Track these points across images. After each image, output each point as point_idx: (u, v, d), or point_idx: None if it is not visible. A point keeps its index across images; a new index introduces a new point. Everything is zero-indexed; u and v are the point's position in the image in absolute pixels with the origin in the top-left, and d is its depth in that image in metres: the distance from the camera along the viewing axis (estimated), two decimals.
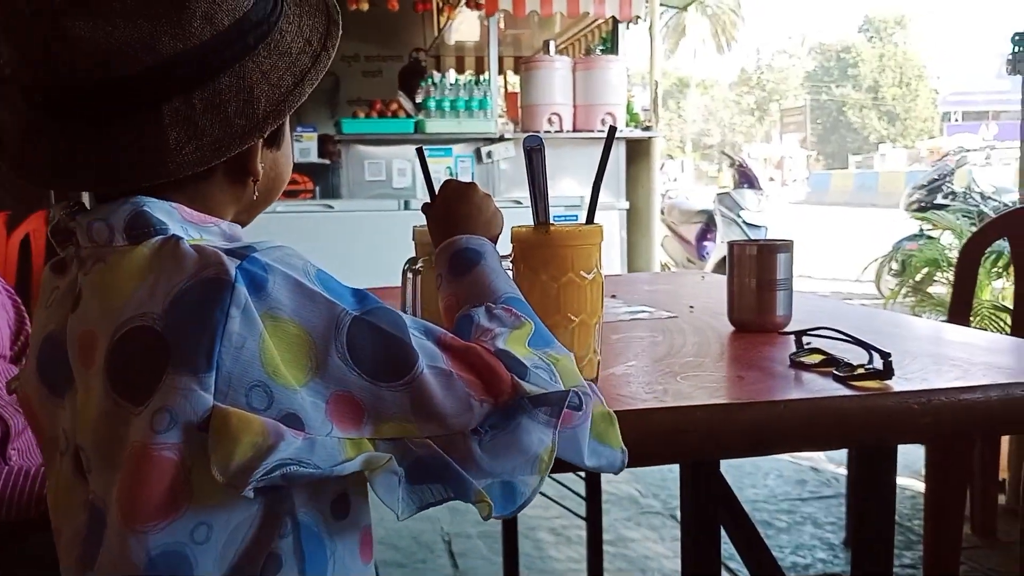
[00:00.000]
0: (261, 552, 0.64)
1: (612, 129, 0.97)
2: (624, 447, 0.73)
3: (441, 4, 6.14)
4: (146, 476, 0.61)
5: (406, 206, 4.21)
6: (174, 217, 0.69)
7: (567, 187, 4.37)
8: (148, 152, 0.67)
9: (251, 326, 0.61)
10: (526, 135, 0.93)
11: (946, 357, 1.03)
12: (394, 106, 4.66)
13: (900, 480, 2.85)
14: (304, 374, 0.63)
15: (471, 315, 0.75)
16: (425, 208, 0.93)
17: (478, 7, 4.85)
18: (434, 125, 4.38)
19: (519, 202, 4.38)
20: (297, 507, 0.65)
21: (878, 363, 0.90)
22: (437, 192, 0.92)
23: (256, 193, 0.77)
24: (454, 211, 0.89)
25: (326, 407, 0.63)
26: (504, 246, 0.91)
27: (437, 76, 4.62)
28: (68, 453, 0.70)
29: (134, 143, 0.67)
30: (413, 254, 1.07)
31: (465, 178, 4.56)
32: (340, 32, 0.77)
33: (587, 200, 0.91)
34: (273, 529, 0.65)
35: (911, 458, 2.82)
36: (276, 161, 0.80)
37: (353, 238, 4.12)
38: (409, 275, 1.04)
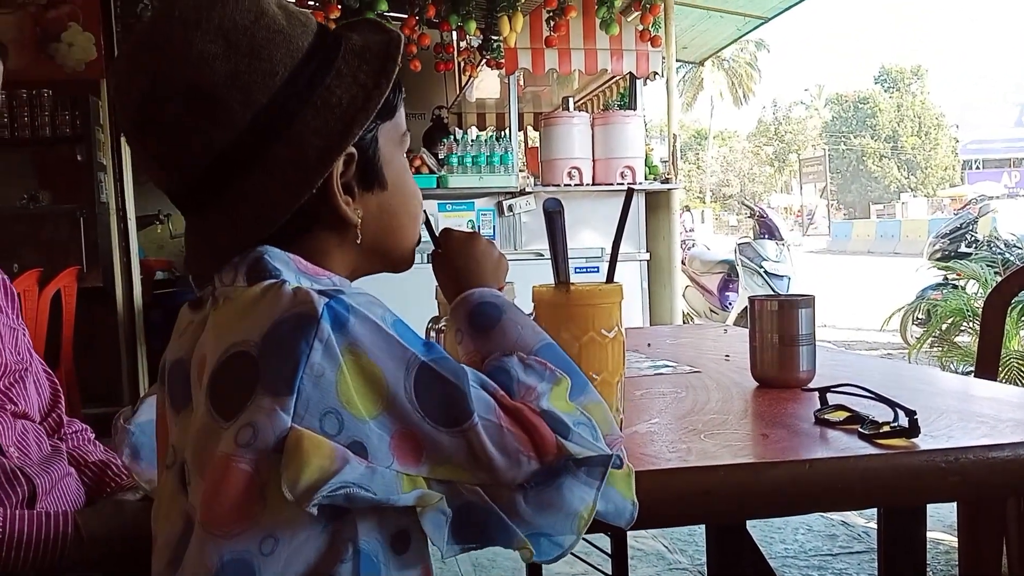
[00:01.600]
0: (322, 574, 0.68)
1: (630, 191, 0.99)
2: (636, 500, 0.74)
3: (462, 64, 6.27)
4: (225, 485, 0.66)
5: (427, 260, 4.25)
6: (289, 267, 0.76)
7: (587, 239, 4.40)
8: (233, 230, 0.76)
9: (331, 358, 0.66)
10: (546, 198, 0.95)
11: (973, 413, 1.02)
12: (417, 162, 4.73)
13: (933, 535, 2.78)
14: (374, 408, 0.67)
15: (506, 368, 0.76)
16: (433, 256, 0.94)
17: (498, 66, 4.95)
18: (456, 180, 4.44)
19: (540, 254, 4.41)
20: (360, 535, 0.69)
21: (904, 421, 0.90)
22: (439, 241, 0.93)
23: (360, 238, 0.81)
24: (462, 263, 0.91)
25: (390, 441, 0.68)
26: (525, 304, 0.92)
27: (459, 133, 4.70)
28: (174, 466, 0.76)
29: (220, 226, 0.77)
30: (436, 312, 1.08)
31: (487, 232, 4.62)
32: (397, 67, 0.79)
33: (607, 253, 0.93)
34: (335, 553, 0.69)
35: (943, 511, 2.76)
36: (384, 203, 0.84)
37: (376, 292, 4.14)
38: (433, 334, 1.05)
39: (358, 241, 0.82)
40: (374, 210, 0.83)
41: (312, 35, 0.78)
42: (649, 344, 1.61)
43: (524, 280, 1.08)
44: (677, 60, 5.33)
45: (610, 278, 0.94)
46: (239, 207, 0.76)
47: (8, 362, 1.23)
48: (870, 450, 0.87)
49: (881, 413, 0.94)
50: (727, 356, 1.35)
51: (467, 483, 0.69)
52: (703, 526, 2.82)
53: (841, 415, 0.98)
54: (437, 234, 0.93)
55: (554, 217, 0.91)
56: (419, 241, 0.90)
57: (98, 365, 4.32)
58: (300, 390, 0.66)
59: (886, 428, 0.90)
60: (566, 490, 0.70)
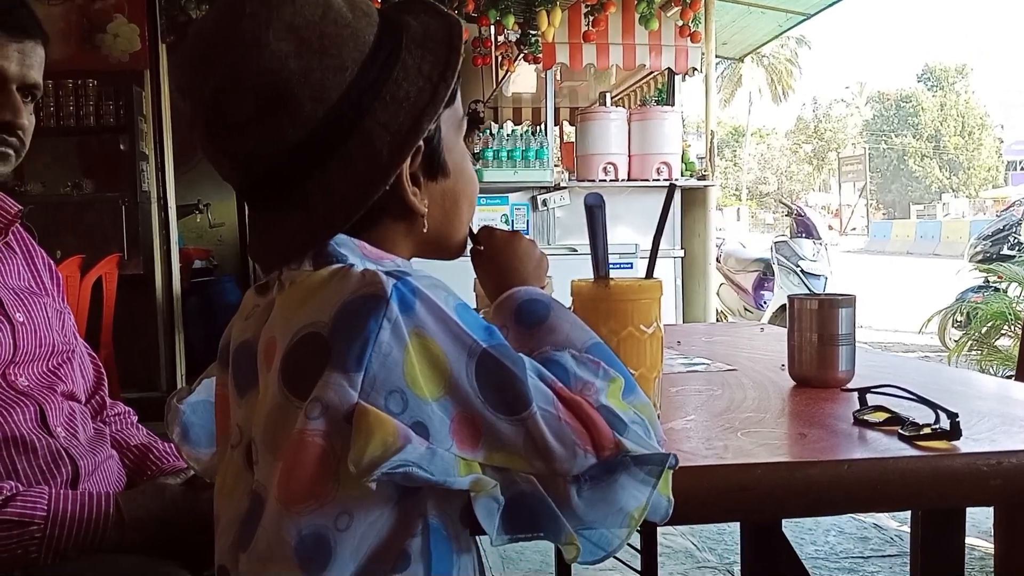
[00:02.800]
0: (394, 548, 0.70)
1: (672, 187, 0.98)
2: (672, 497, 0.75)
3: (500, 58, 6.27)
4: (301, 460, 0.68)
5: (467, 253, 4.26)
6: (355, 252, 0.77)
7: (622, 235, 4.38)
8: (309, 225, 0.77)
9: (399, 338, 0.68)
10: (588, 193, 0.94)
11: (1016, 417, 1.01)
12: None
13: (967, 540, 2.74)
14: (437, 390, 0.69)
15: (561, 362, 0.76)
16: (473, 253, 0.95)
17: (536, 61, 4.95)
18: (491, 174, 4.45)
19: (574, 249, 4.40)
20: (429, 510, 0.71)
21: (945, 423, 0.89)
22: (479, 240, 0.94)
23: (426, 226, 0.83)
24: (504, 261, 0.91)
25: (450, 424, 0.69)
26: (562, 299, 0.93)
27: (495, 127, 4.71)
28: (240, 446, 0.79)
29: (295, 221, 0.78)
30: (473, 303, 1.09)
31: (520, 226, 4.62)
32: (460, 58, 0.80)
33: (642, 248, 0.93)
34: (407, 528, 0.71)
35: (979, 517, 2.71)
36: (447, 190, 0.85)
37: None
38: None
39: (424, 230, 0.83)
40: (438, 198, 0.84)
41: (375, 26, 0.79)
42: (679, 342, 1.60)
43: (557, 275, 1.09)
44: (716, 56, 5.29)
45: (650, 274, 0.94)
46: (312, 204, 0.77)
47: (56, 342, 1.26)
48: (910, 452, 0.86)
49: (921, 415, 0.93)
50: (783, 366, 1.32)
51: (522, 471, 0.70)
52: (733, 525, 2.81)
53: (881, 416, 0.97)
54: (476, 231, 0.93)
55: (595, 211, 0.91)
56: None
57: (137, 351, 4.39)
58: (368, 367, 0.67)
59: (927, 430, 0.89)
60: (620, 487, 0.71)
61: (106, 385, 1.39)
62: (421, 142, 0.79)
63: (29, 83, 1.19)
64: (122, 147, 4.55)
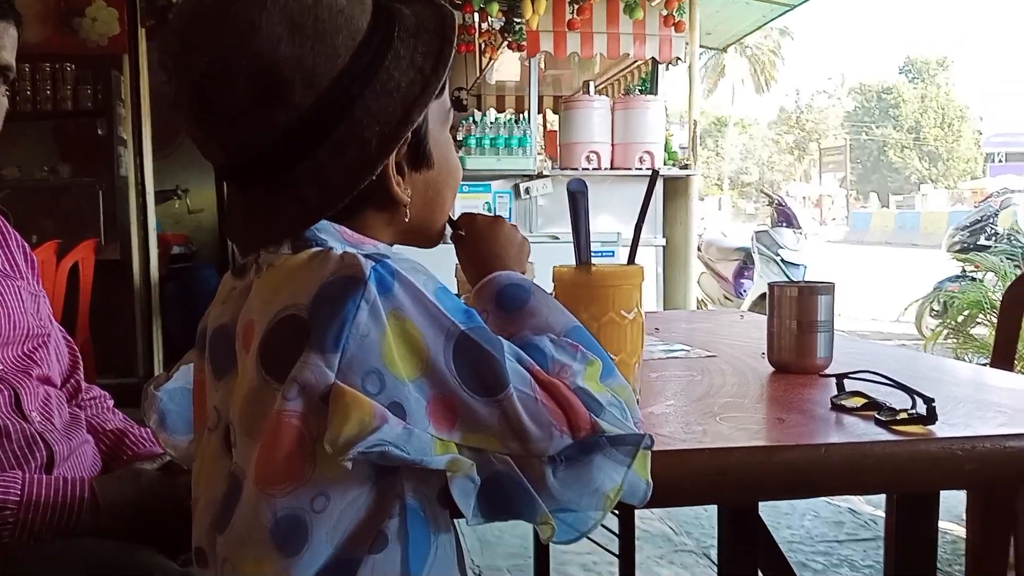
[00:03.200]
0: (371, 530, 0.71)
1: (655, 173, 0.99)
2: (650, 480, 0.75)
3: (483, 46, 6.25)
4: (278, 442, 0.68)
5: (444, 242, 4.25)
6: (334, 236, 0.77)
7: (605, 224, 4.39)
8: (292, 209, 0.77)
9: (377, 320, 0.68)
10: (571, 179, 0.94)
11: (991, 403, 1.02)
12: None
13: (940, 524, 2.78)
14: (414, 371, 0.69)
15: (539, 346, 0.76)
16: (455, 239, 0.94)
17: (519, 48, 4.93)
18: (474, 162, 4.44)
19: (556, 237, 4.40)
20: (406, 491, 0.72)
21: (921, 408, 0.90)
22: (460, 224, 0.93)
23: (408, 216, 0.83)
24: (486, 246, 0.91)
25: (427, 405, 0.69)
26: (544, 285, 0.92)
27: (478, 114, 4.69)
28: (218, 430, 0.79)
29: (281, 205, 0.78)
30: (455, 290, 1.09)
31: (503, 214, 4.62)
32: (453, 50, 0.80)
33: (624, 237, 0.93)
34: (384, 509, 0.71)
35: (951, 502, 2.75)
36: (430, 180, 0.85)
37: None
38: None
39: (407, 220, 0.83)
40: (421, 188, 0.84)
41: (369, 13, 0.78)
42: (657, 328, 1.60)
43: (540, 263, 1.08)
44: (700, 46, 5.30)
45: (631, 260, 0.94)
46: (297, 190, 0.77)
47: (31, 326, 1.24)
48: (887, 436, 0.87)
49: (898, 400, 0.94)
50: (763, 354, 1.33)
51: (498, 452, 0.70)
52: (711, 509, 2.83)
53: (858, 401, 0.98)
54: (456, 218, 0.93)
55: (578, 198, 0.91)
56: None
57: (114, 337, 4.36)
58: (345, 348, 0.67)
59: (903, 415, 0.90)
60: (596, 468, 0.71)
61: (81, 369, 1.37)
62: (408, 133, 0.78)
63: (1, 65, 1.17)
64: (100, 131, 4.50)
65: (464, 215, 0.93)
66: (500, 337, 0.73)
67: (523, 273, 0.89)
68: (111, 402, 1.40)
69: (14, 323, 1.21)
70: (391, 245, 0.85)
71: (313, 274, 0.71)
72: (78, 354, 1.38)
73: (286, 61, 0.73)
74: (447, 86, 0.85)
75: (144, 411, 0.91)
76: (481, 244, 0.91)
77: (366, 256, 0.71)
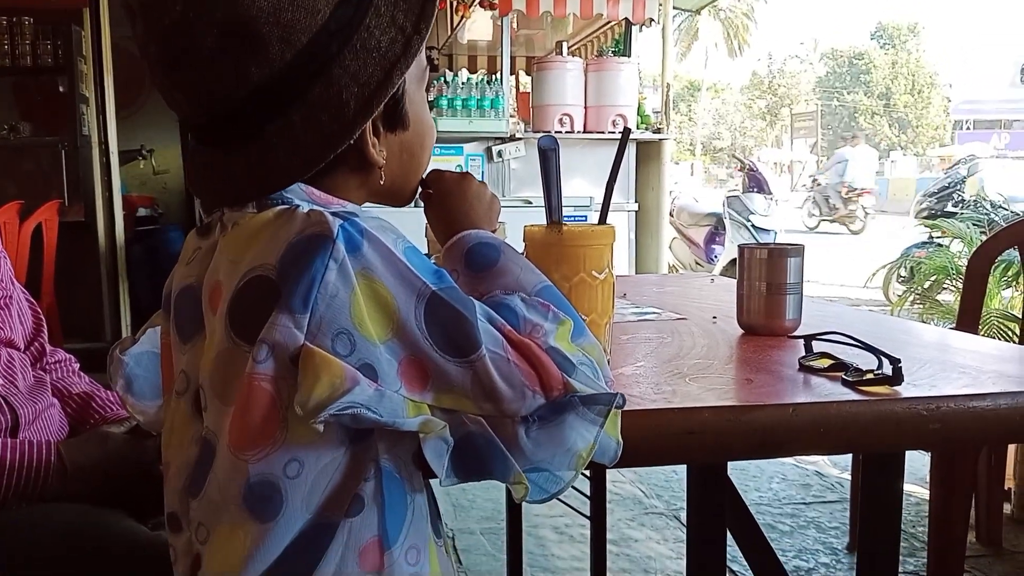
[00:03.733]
0: (347, 494, 0.70)
1: (627, 131, 0.97)
2: (620, 440, 0.75)
3: (455, 3, 6.15)
4: (249, 405, 0.67)
5: (416, 204, 4.22)
6: (300, 196, 0.76)
7: (577, 187, 4.38)
8: (261, 170, 0.74)
9: (346, 279, 0.67)
10: (541, 136, 0.93)
11: (955, 364, 1.04)
12: None
13: (905, 487, 2.84)
14: (385, 332, 0.68)
15: (510, 305, 0.76)
16: (423, 198, 0.93)
17: (491, 7, 4.86)
18: (446, 124, 4.39)
19: (529, 201, 4.39)
20: (380, 454, 0.71)
21: (887, 369, 0.91)
22: (428, 183, 0.91)
23: (383, 178, 0.81)
24: (454, 204, 0.89)
25: (398, 366, 0.68)
26: (516, 244, 0.92)
27: (449, 75, 4.63)
28: (187, 393, 0.78)
29: (249, 164, 0.75)
30: (425, 250, 1.08)
31: (475, 175, 4.61)
32: (436, 8, 0.78)
33: (597, 201, 0.92)
34: (358, 472, 0.71)
35: (915, 465, 2.81)
36: (405, 142, 0.83)
37: None
38: None
39: (381, 182, 0.81)
40: (396, 150, 0.82)
41: None
42: (624, 294, 1.60)
43: (512, 227, 1.07)
44: (674, 8, 5.26)
45: (602, 220, 0.94)
46: (269, 150, 0.74)
47: None
48: (853, 396, 0.88)
49: (865, 362, 0.95)
50: (714, 318, 1.34)
51: (471, 413, 0.70)
52: (680, 472, 2.87)
53: (825, 362, 0.99)
54: (425, 176, 0.91)
55: (548, 155, 0.90)
56: None
57: (80, 300, 4.29)
58: (314, 308, 0.66)
59: (869, 375, 0.91)
60: (568, 427, 0.71)
61: (46, 332, 1.35)
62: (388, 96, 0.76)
63: None
64: (61, 89, 4.39)
65: (432, 172, 0.92)
66: (471, 297, 0.72)
67: (493, 231, 0.88)
68: (77, 365, 1.38)
69: None
70: (362, 204, 0.83)
71: (280, 232, 0.70)
72: (42, 317, 1.36)
73: (263, 13, 0.70)
74: (425, 40, 0.82)
75: (110, 376, 0.90)
76: (449, 202, 0.90)
77: (333, 214, 0.69)
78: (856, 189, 9.13)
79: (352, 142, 0.75)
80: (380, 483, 0.71)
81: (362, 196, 0.83)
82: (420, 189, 0.91)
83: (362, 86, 0.73)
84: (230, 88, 0.72)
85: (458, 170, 0.91)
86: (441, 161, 4.38)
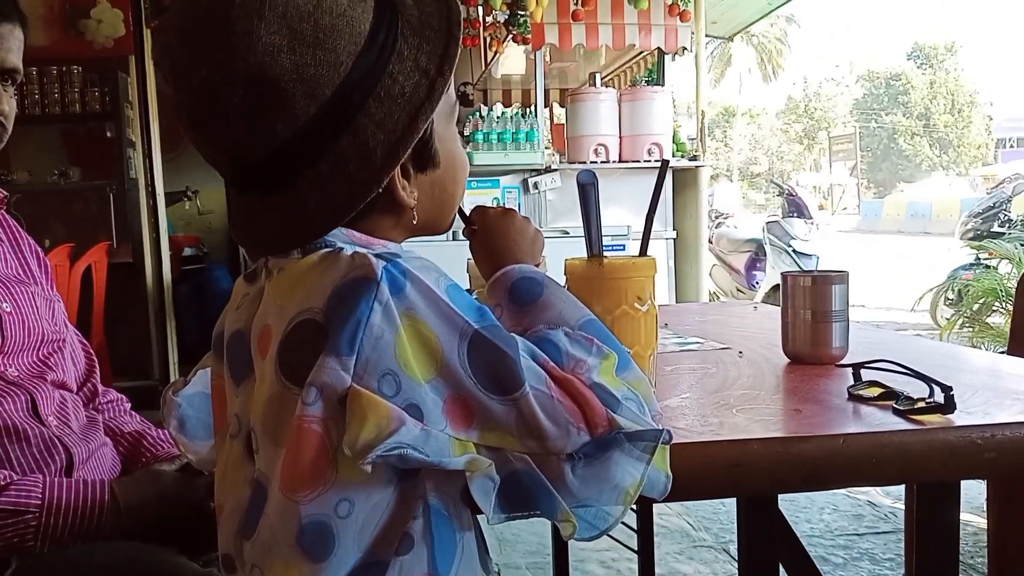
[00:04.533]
0: (396, 532, 0.71)
1: (665, 163, 0.98)
2: (670, 473, 0.74)
3: (488, 39, 6.23)
4: (299, 447, 0.68)
5: (454, 237, 4.24)
6: (342, 239, 0.77)
7: (613, 217, 4.37)
8: (296, 220, 0.75)
9: (390, 320, 0.67)
10: (580, 170, 0.94)
11: (1008, 390, 1.01)
12: None
13: (962, 516, 2.76)
14: (429, 372, 0.69)
15: (553, 340, 0.75)
16: (468, 234, 0.93)
17: (524, 42, 4.91)
18: (482, 157, 4.43)
19: (566, 232, 4.39)
20: (428, 491, 0.72)
21: (939, 396, 0.89)
22: (472, 218, 0.92)
23: (416, 218, 0.81)
24: (498, 240, 0.90)
25: (443, 405, 0.69)
26: (557, 277, 0.92)
27: (484, 109, 4.68)
28: (240, 436, 0.79)
29: (284, 215, 0.76)
30: (467, 286, 1.08)
31: (512, 207, 4.61)
32: (459, 48, 0.78)
33: (634, 230, 0.92)
34: (407, 511, 0.71)
35: (972, 493, 2.73)
36: (436, 180, 0.83)
37: None
38: None
39: (414, 221, 0.82)
40: (427, 189, 0.82)
41: (371, 12, 0.75)
42: (666, 324, 1.59)
43: (551, 258, 1.08)
44: (706, 35, 5.27)
45: (643, 251, 0.94)
46: (302, 202, 0.75)
47: (46, 331, 1.25)
48: (905, 425, 0.86)
49: (916, 389, 0.93)
50: (740, 353, 1.31)
51: (516, 451, 0.70)
52: (729, 504, 2.82)
53: (875, 391, 0.97)
54: (469, 213, 0.92)
55: (588, 189, 0.90)
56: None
57: (129, 340, 4.38)
58: (360, 350, 0.67)
59: (921, 404, 0.89)
60: (614, 464, 0.71)
61: (98, 372, 1.38)
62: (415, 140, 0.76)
63: (8, 67, 1.17)
64: (108, 134, 4.51)
65: (476, 209, 0.92)
66: (514, 334, 0.73)
67: (536, 266, 0.88)
68: (128, 405, 1.41)
69: (28, 329, 1.21)
70: (400, 242, 0.84)
71: (325, 276, 0.71)
72: (94, 358, 1.39)
73: (286, 71, 0.71)
74: (451, 80, 0.82)
75: (163, 416, 0.91)
76: (493, 237, 0.90)
77: (376, 256, 0.70)
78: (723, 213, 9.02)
79: (381, 189, 0.75)
80: (429, 521, 0.72)
81: (400, 234, 0.83)
82: (464, 225, 0.92)
83: (388, 133, 0.74)
84: (258, 145, 0.74)
85: (495, 203, 0.92)
86: (477, 195, 4.41)
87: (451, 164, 0.84)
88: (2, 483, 1.04)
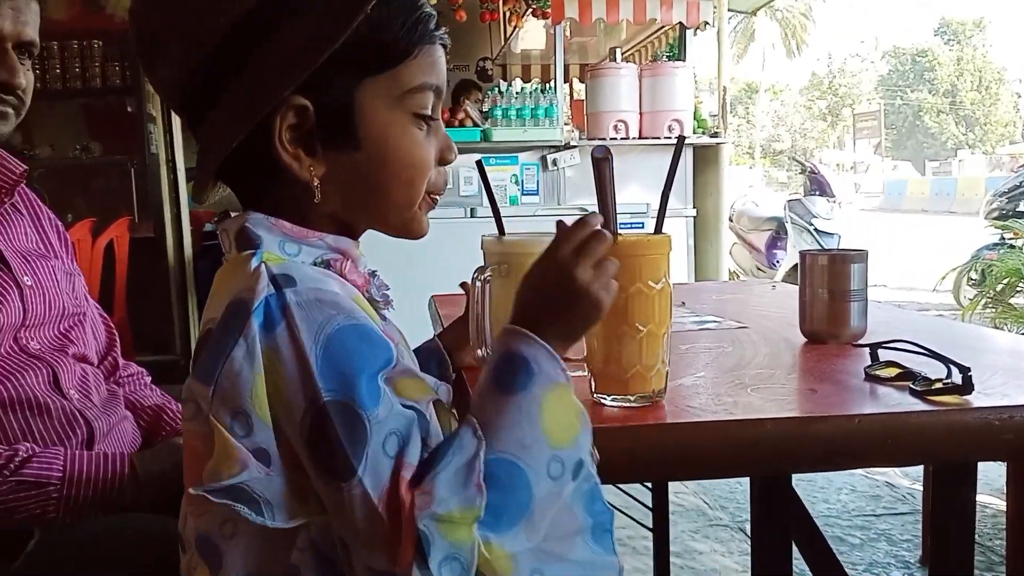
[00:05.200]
0: (281, 563, 0.69)
1: (681, 138, 0.96)
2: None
3: (508, 14, 6.19)
4: (187, 458, 0.71)
5: (472, 214, 4.24)
6: (272, 232, 0.74)
7: (633, 194, 4.35)
8: (199, 162, 0.76)
9: (251, 359, 0.66)
10: (594, 146, 0.92)
11: None
12: (461, 115, 4.70)
13: (980, 498, 2.74)
14: (272, 419, 0.66)
15: (462, 442, 0.66)
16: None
17: (544, 16, 4.87)
18: (500, 133, 4.41)
19: (584, 209, 4.37)
20: (311, 525, 0.69)
21: (957, 377, 0.88)
22: (558, 233, 0.77)
23: (318, 196, 0.75)
24: (547, 289, 0.75)
25: (281, 453, 0.67)
26: None
27: (503, 84, 4.65)
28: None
29: (205, 140, 0.77)
30: (481, 263, 1.08)
31: (530, 186, 4.56)
32: (364, 11, 0.70)
33: (653, 208, 0.91)
34: (290, 542, 0.69)
35: (992, 475, 2.72)
36: (356, 167, 0.76)
37: (418, 246, 4.13)
38: (478, 284, 1.05)
39: (316, 200, 0.75)
40: (343, 173, 0.76)
41: None
42: (683, 303, 1.58)
43: None
44: (729, 10, 5.19)
45: (658, 229, 0.93)
46: (206, 132, 0.76)
47: (67, 305, 1.26)
48: (921, 406, 0.85)
49: (933, 370, 0.92)
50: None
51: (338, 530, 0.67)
52: (744, 484, 2.82)
53: (892, 371, 0.97)
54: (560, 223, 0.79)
55: (602, 165, 0.89)
56: (417, 208, 0.81)
57: (150, 314, 4.41)
58: (218, 382, 0.66)
59: (938, 384, 0.89)
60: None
61: (119, 346, 1.39)
62: (306, 101, 0.72)
63: (25, 40, 1.17)
64: (129, 109, 4.52)
65: (561, 227, 0.78)
66: (387, 416, 0.65)
67: (563, 353, 0.73)
68: (149, 379, 1.42)
69: (49, 303, 1.23)
70: (351, 231, 0.80)
71: (230, 284, 0.71)
72: (115, 331, 1.40)
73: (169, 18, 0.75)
74: (410, 64, 0.75)
75: None
76: (547, 281, 0.75)
77: (274, 277, 0.68)
78: None
79: (263, 143, 0.72)
80: (316, 556, 0.69)
81: (324, 224, 0.77)
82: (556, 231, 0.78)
83: (276, 71, 0.71)
84: (181, 61, 0.74)
85: (512, 180, 0.88)
86: (497, 170, 4.39)
87: (382, 154, 0.76)
88: (25, 455, 1.06)
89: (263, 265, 0.70)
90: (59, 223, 1.36)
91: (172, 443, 1.23)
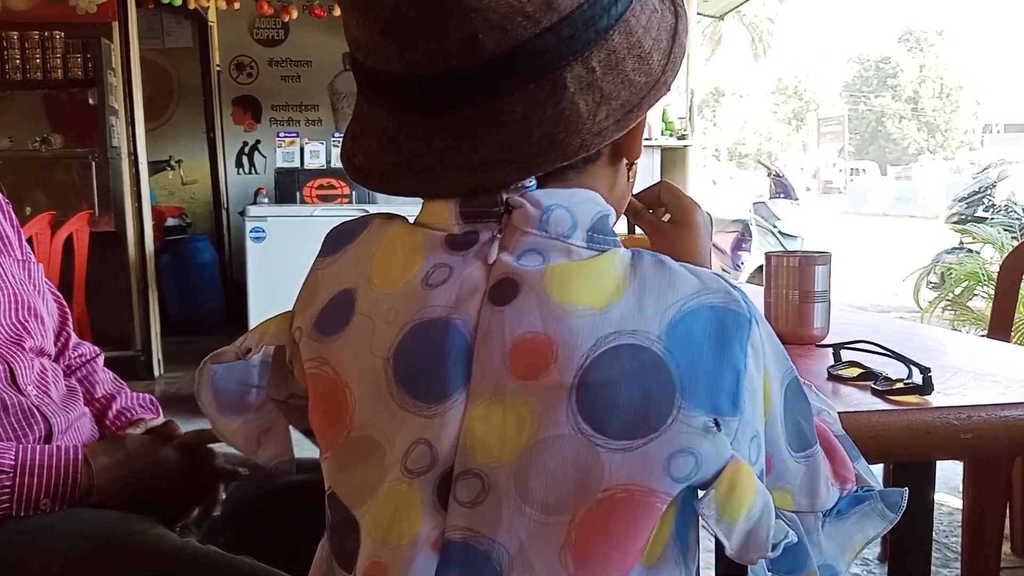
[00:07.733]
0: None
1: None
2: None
3: None
4: (622, 522, 0.57)
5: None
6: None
7: None
8: (559, 127, 0.57)
9: (759, 370, 0.57)
10: None
11: (987, 373, 1.02)
12: None
13: (937, 496, 2.79)
14: (761, 424, 0.59)
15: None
16: (648, 218, 0.83)
17: None
18: None
19: None
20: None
21: (917, 378, 0.90)
22: (658, 202, 0.82)
23: (629, 176, 0.68)
24: (691, 236, 0.80)
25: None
26: None
27: None
28: (430, 474, 0.61)
29: (540, 120, 0.58)
30: None
31: None
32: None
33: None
34: None
35: (948, 474, 2.77)
36: (622, 171, 0.69)
37: None
38: None
39: (628, 180, 0.69)
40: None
41: None
42: None
43: None
44: (697, 14, 5.24)
45: (631, 230, 0.93)
46: (576, 101, 0.58)
47: (20, 295, 1.23)
48: (883, 406, 0.87)
49: (895, 370, 0.94)
50: None
51: (787, 510, 0.62)
52: None
53: (855, 371, 0.98)
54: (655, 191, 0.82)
55: None
56: None
57: (110, 308, 4.35)
58: (742, 409, 0.55)
59: (899, 384, 0.90)
60: (857, 521, 0.67)
61: (71, 323, 1.36)
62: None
63: None
64: (91, 101, 4.44)
65: (666, 188, 0.80)
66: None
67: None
68: (101, 360, 1.39)
69: (3, 293, 1.20)
70: None
71: (653, 296, 0.55)
72: (67, 309, 1.36)
73: None
74: None
75: (196, 389, 0.76)
76: (695, 237, 0.79)
77: (718, 277, 0.58)
78: None
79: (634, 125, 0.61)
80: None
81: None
82: (642, 211, 0.82)
83: (655, 40, 0.61)
84: (535, 11, 0.56)
85: None
86: None
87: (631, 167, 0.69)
88: None
89: (691, 265, 0.63)
90: (10, 209, 1.31)
91: (117, 435, 1.22)
